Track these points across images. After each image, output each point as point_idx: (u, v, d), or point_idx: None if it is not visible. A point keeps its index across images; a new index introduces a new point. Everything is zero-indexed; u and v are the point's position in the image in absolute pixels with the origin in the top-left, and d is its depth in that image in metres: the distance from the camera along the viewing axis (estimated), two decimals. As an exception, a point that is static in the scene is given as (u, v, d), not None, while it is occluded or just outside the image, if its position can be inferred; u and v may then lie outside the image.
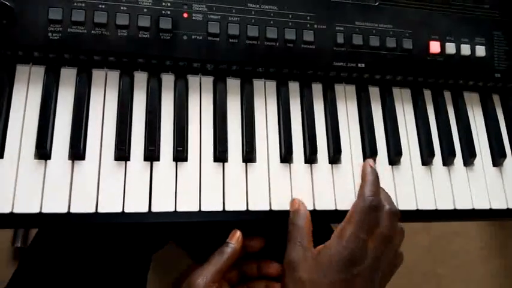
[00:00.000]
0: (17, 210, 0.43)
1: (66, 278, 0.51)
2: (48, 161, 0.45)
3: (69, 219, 0.44)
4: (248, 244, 0.50)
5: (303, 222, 0.46)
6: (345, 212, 0.50)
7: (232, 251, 0.47)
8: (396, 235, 0.46)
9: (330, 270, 0.42)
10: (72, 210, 0.44)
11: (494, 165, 0.57)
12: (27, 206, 0.43)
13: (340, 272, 0.42)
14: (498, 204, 0.55)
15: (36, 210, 0.43)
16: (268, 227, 0.55)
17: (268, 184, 0.49)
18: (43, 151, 0.45)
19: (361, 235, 0.43)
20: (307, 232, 0.46)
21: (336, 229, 0.45)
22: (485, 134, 0.59)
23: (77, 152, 0.45)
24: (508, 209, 0.55)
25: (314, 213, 0.49)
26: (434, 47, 0.55)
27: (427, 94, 0.58)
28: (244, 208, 0.48)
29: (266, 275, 0.51)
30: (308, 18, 0.52)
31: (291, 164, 0.51)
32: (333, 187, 0.51)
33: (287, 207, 0.49)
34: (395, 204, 0.48)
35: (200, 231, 0.63)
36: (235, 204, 0.48)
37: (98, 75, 0.49)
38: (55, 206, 0.44)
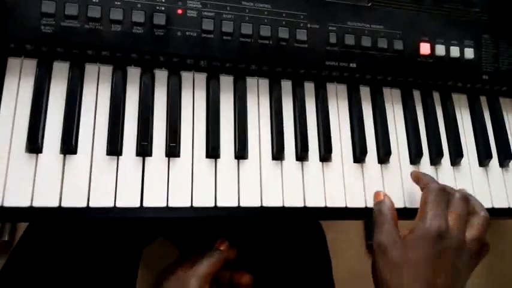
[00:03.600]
0: (8, 203, 0.43)
1: (57, 272, 0.51)
2: (39, 154, 0.45)
3: (60, 213, 0.44)
4: None
5: (388, 210, 0.49)
6: (334, 208, 0.51)
7: (223, 256, 0.51)
8: (481, 225, 0.48)
9: (419, 248, 0.45)
10: (64, 205, 0.44)
11: (480, 165, 0.59)
12: (17, 199, 0.43)
13: (430, 248, 0.44)
14: (483, 203, 0.56)
15: (27, 204, 0.43)
16: (242, 237, 0.57)
17: (260, 181, 0.50)
18: (34, 145, 0.44)
19: (440, 212, 0.46)
20: (394, 218, 0.48)
21: (417, 215, 0.48)
22: (472, 134, 0.60)
23: (68, 146, 0.45)
24: (493, 208, 0.57)
25: (304, 209, 0.50)
26: (425, 48, 0.56)
27: (417, 94, 0.59)
28: (235, 204, 0.48)
29: (238, 284, 0.54)
30: (301, 17, 0.52)
31: (283, 161, 0.51)
32: (323, 184, 0.51)
33: (278, 204, 0.49)
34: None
35: (190, 226, 0.63)
36: (227, 200, 0.48)
37: (90, 69, 0.49)
38: (46, 200, 0.43)
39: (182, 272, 0.50)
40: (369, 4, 0.55)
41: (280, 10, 0.52)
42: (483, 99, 0.62)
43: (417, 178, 0.53)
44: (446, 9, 0.58)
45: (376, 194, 0.51)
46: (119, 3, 0.47)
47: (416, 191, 0.54)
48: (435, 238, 0.45)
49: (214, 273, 0.50)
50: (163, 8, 0.48)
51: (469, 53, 0.58)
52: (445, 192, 0.48)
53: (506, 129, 0.61)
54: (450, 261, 0.45)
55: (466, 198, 0.49)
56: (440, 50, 0.57)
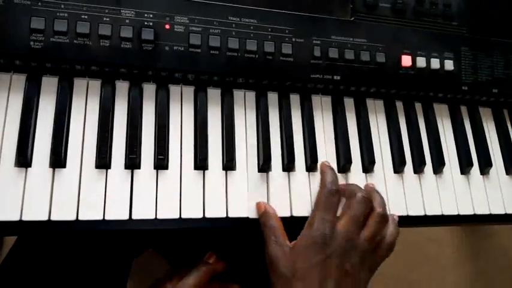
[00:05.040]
0: (-3, 217, 0.43)
1: (46, 285, 0.51)
2: (28, 168, 0.45)
3: (49, 226, 0.44)
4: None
5: (273, 221, 0.48)
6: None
7: (211, 268, 0.51)
8: (375, 222, 0.48)
9: (306, 255, 0.45)
10: (53, 218, 0.44)
11: (462, 173, 0.60)
12: (7, 213, 0.43)
13: (316, 254, 0.44)
14: (465, 210, 0.58)
15: (16, 217, 0.43)
16: (231, 249, 0.57)
17: (247, 191, 0.50)
18: (23, 159, 0.45)
19: (326, 217, 0.47)
20: (280, 229, 0.48)
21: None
22: (454, 143, 0.62)
23: (58, 159, 0.46)
24: (474, 215, 0.58)
25: (291, 219, 0.51)
26: (406, 60, 0.58)
27: (399, 105, 0.61)
28: (223, 215, 0.49)
29: None
30: (286, 32, 0.54)
31: (269, 172, 0.52)
32: (310, 194, 0.52)
33: (265, 214, 0.50)
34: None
35: (179, 237, 0.64)
36: (215, 211, 0.49)
37: (79, 84, 0.50)
38: (35, 213, 0.44)
39: (171, 285, 0.50)
40: (352, 19, 0.57)
41: (266, 25, 0.53)
42: (463, 109, 0.64)
43: (322, 172, 0.52)
44: (426, 23, 0.61)
45: (257, 205, 0.50)
46: (107, 19, 0.48)
47: (401, 199, 0.56)
48: (318, 245, 0.44)
49: (202, 285, 0.51)
50: (151, 24, 0.49)
51: (449, 65, 0.60)
52: (337, 195, 0.48)
53: (486, 138, 0.63)
54: (337, 266, 0.44)
55: (366, 199, 0.49)
56: (421, 62, 0.58)
